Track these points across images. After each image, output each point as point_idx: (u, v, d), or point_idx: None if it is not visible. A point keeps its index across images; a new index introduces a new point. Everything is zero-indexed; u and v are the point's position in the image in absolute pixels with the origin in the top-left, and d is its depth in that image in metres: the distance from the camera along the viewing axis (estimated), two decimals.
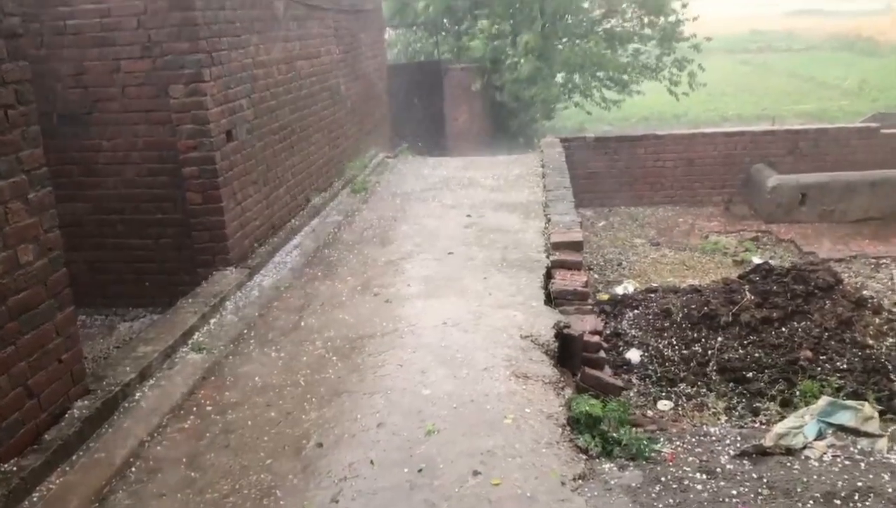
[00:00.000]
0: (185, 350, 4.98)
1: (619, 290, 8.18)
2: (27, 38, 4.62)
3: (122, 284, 6.45)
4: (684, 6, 15.41)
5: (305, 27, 8.24)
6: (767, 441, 3.96)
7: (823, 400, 4.26)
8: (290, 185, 7.69)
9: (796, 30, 43.66)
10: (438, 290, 5.94)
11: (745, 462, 3.86)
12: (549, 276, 6.19)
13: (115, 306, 6.49)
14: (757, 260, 9.07)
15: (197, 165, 5.98)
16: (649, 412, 5.57)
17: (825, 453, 3.88)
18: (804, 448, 3.93)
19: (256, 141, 6.80)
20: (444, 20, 16.24)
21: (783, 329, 6.60)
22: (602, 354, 5.58)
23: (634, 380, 6.17)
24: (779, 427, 4.08)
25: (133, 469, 3.78)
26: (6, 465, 3.57)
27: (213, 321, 5.45)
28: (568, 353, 5.17)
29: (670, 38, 15.52)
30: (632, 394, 5.78)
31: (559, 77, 15.72)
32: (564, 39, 15.51)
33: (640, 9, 15.52)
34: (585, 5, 16.03)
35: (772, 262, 8.83)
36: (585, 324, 5.49)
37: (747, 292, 6.92)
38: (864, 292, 7.83)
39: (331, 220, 8.08)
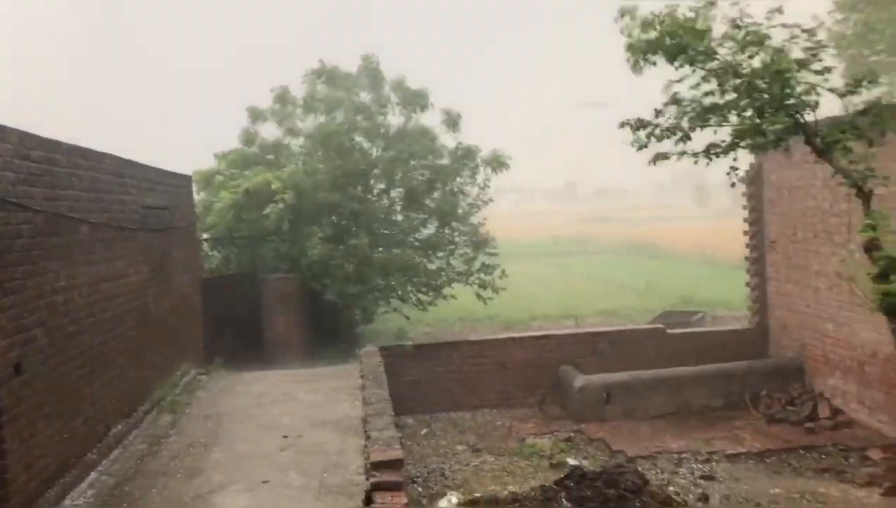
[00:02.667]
0: None
1: (443, 503, 8.11)
2: None
3: None
4: (477, 215, 16.97)
5: (113, 248, 8.05)
6: None
7: None
8: (88, 415, 7.13)
9: (589, 235, 48.50)
10: None
11: None
12: (369, 500, 6.01)
13: None
14: (572, 461, 9.39)
15: None
16: None
17: None
18: None
19: (51, 371, 6.33)
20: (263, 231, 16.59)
21: None
22: None
23: None
24: None
25: None
26: None
27: None
28: None
29: (479, 247, 16.79)
30: None
31: (378, 281, 16.33)
32: (381, 249, 16.24)
33: (440, 222, 16.82)
34: (399, 218, 17.09)
35: (585, 463, 9.18)
36: None
37: (563, 500, 7.08)
38: (671, 489, 8.25)
39: (134, 449, 7.51)
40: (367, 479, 6.29)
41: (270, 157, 17.12)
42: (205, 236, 16.35)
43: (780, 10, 7.05)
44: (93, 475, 6.70)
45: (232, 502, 6.07)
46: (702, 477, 8.93)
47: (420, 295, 16.97)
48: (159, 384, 9.44)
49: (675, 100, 7.34)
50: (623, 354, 12.46)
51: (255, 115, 16.96)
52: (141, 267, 9.05)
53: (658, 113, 7.37)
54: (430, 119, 16.89)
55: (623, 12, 7.21)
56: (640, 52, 7.10)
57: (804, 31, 7.03)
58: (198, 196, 16.09)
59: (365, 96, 16.81)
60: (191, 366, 10.95)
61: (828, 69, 7.14)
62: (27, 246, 6.00)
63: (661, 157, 7.47)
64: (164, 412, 8.76)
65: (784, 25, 7.01)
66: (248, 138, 17.08)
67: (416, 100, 16.59)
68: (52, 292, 6.41)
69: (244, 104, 17.32)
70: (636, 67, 7.21)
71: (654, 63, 7.20)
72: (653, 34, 7.04)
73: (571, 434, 10.70)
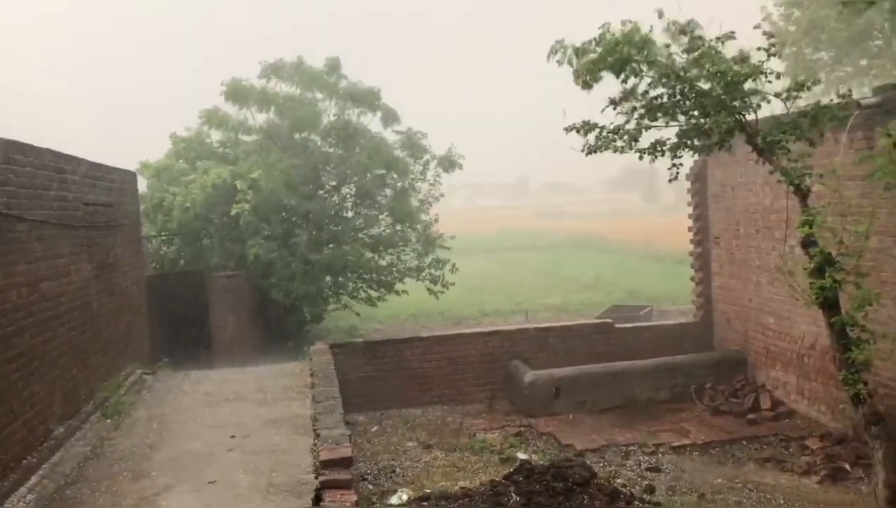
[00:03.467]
0: None
1: (394, 500, 8.11)
2: None
3: None
4: (428, 213, 16.97)
5: (54, 246, 7.85)
6: None
7: None
8: (27, 417, 6.94)
9: (540, 229, 48.90)
10: None
11: None
12: (318, 499, 5.98)
13: None
14: (522, 456, 9.48)
15: None
16: None
17: None
18: None
19: None
20: (205, 228, 16.31)
21: None
22: None
23: None
24: None
25: None
26: None
27: None
28: None
29: (431, 243, 16.82)
30: None
31: (327, 279, 16.23)
32: (331, 245, 16.14)
33: (393, 219, 16.79)
34: (349, 215, 17.02)
35: (534, 458, 9.28)
36: None
37: (513, 494, 7.15)
38: (618, 481, 8.39)
39: (76, 452, 7.33)
40: (317, 477, 6.27)
41: (225, 150, 16.85)
42: (150, 233, 16.04)
43: (731, 36, 7.22)
44: (33, 479, 6.53)
45: (178, 503, 5.98)
46: (648, 469, 9.10)
47: (371, 292, 16.94)
48: (103, 385, 9.24)
49: (627, 95, 7.44)
50: (572, 348, 12.62)
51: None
52: (83, 265, 8.84)
53: (613, 103, 7.44)
54: (376, 122, 16.87)
55: (554, 50, 7.31)
56: (586, 74, 7.19)
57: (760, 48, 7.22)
58: (145, 188, 15.79)
59: (320, 94, 16.63)
60: (136, 366, 10.75)
61: (777, 75, 7.34)
62: None
63: (605, 144, 7.55)
64: (108, 413, 8.57)
65: (724, 38, 7.17)
66: (211, 118, 16.54)
67: (366, 98, 16.50)
68: None
69: (202, 100, 16.98)
70: (586, 86, 7.29)
71: (600, 79, 7.29)
72: (591, 56, 7.13)
73: (521, 429, 10.79)
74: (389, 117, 16.71)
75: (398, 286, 16.89)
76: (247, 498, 6.01)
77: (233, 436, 7.67)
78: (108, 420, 8.40)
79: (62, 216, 8.20)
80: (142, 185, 14.99)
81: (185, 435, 7.84)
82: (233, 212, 14.54)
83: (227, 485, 6.32)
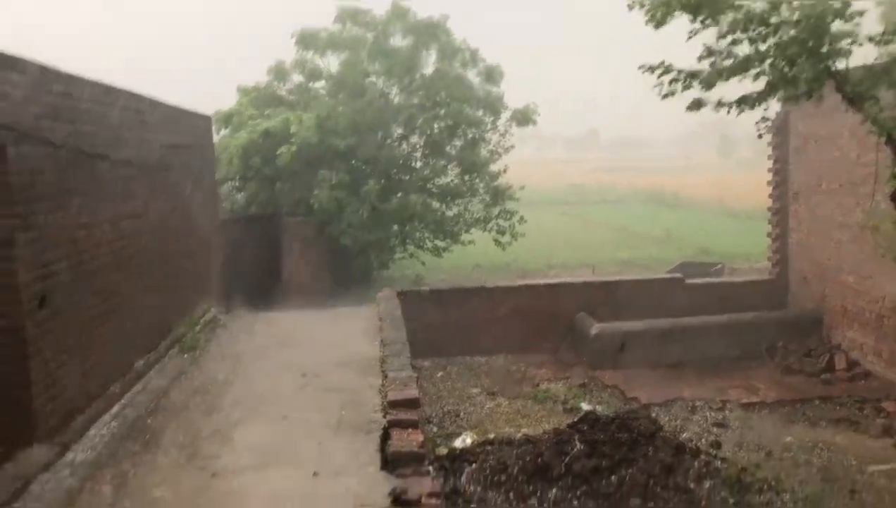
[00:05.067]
0: None
1: (458, 443, 8.22)
2: None
3: None
4: (499, 162, 16.82)
5: (133, 187, 8.08)
6: None
7: None
8: (111, 349, 7.25)
9: (609, 184, 48.01)
10: (271, 459, 5.69)
11: None
12: (386, 436, 6.11)
13: None
14: (586, 407, 9.48)
15: (4, 336, 5.53)
16: None
17: None
18: None
19: (74, 306, 6.42)
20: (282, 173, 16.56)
21: (613, 478, 6.83)
22: None
23: None
24: None
25: None
26: None
27: None
28: None
29: (499, 194, 16.70)
30: None
31: (395, 227, 16.37)
32: (399, 194, 16.21)
33: (462, 169, 16.72)
34: (418, 165, 17.03)
35: (598, 409, 9.26)
36: (423, 487, 5.41)
37: (577, 442, 7.16)
38: (684, 435, 8.33)
39: (155, 384, 7.64)
40: (385, 416, 6.39)
41: (294, 98, 17.01)
42: (226, 176, 16.37)
43: None
44: (115, 408, 6.84)
45: (250, 436, 6.19)
46: (715, 425, 9.00)
47: (437, 241, 17.01)
48: (179, 322, 9.56)
49: (709, 51, 7.17)
50: (640, 303, 12.46)
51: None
52: (161, 206, 9.08)
53: (710, 54, 7.19)
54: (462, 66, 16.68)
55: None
56: (658, 10, 6.93)
57: None
58: (217, 135, 16.08)
59: (396, 41, 16.52)
60: (210, 305, 11.07)
61: (859, 13, 6.94)
62: (49, 181, 6.02)
63: (696, 105, 7.33)
64: (184, 349, 8.88)
65: None
66: (280, 72, 16.74)
67: (447, 48, 16.35)
68: (74, 228, 6.46)
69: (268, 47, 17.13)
70: (657, 23, 7.04)
71: (672, 18, 7.02)
72: None
73: (585, 381, 10.78)
74: (481, 73, 16.54)
75: (464, 237, 16.92)
76: (318, 434, 6.17)
77: (303, 375, 7.87)
78: (185, 356, 8.71)
79: (141, 157, 8.41)
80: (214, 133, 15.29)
81: (258, 373, 8.08)
82: (278, 152, 14.68)
83: (298, 421, 6.50)
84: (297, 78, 17.13)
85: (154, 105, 9.03)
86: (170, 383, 7.71)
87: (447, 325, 12.12)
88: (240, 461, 5.70)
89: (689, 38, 7.23)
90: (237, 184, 17.24)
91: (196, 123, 11.40)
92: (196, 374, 8.08)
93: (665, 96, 7.42)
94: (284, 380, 7.74)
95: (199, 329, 9.80)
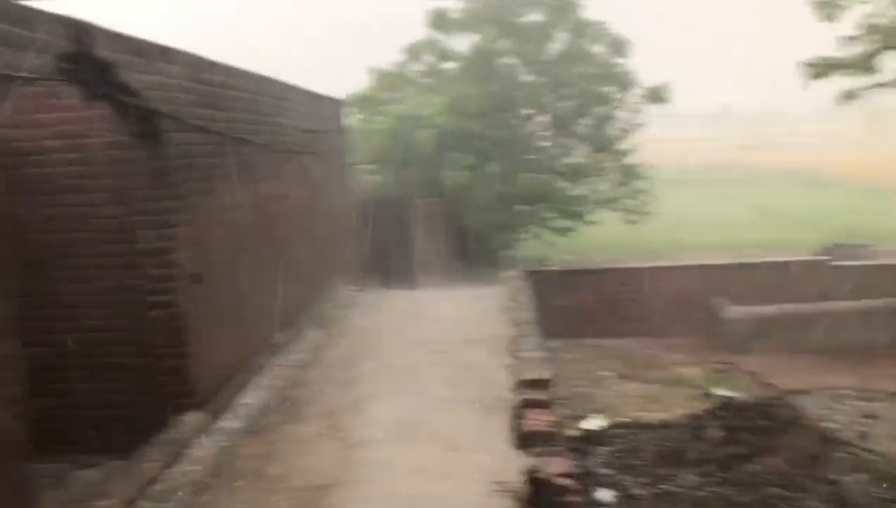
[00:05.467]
0: (145, 503, 4.80)
1: (588, 426, 8.17)
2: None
3: (81, 430, 6.26)
4: (628, 140, 16.36)
5: (275, 170, 8.48)
6: None
7: None
8: (256, 324, 7.68)
9: (746, 161, 45.86)
10: (407, 433, 5.87)
11: None
12: (517, 416, 6.16)
13: (71, 453, 6.27)
14: (722, 393, 9.17)
15: (164, 309, 5.98)
16: None
17: None
18: None
19: (224, 282, 6.84)
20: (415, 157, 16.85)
21: (751, 466, 6.60)
22: (574, 497, 5.49)
23: None
24: None
25: None
26: None
27: (174, 469, 5.29)
28: (538, 497, 5.09)
29: (629, 173, 16.32)
30: None
31: (520, 208, 16.33)
32: (526, 174, 16.15)
33: (591, 148, 16.41)
34: (545, 144, 16.88)
35: (736, 396, 8.94)
36: (556, 466, 5.42)
37: (714, 428, 6.96)
38: (828, 425, 7.91)
39: (296, 358, 8.02)
40: (516, 396, 6.44)
41: (425, 80, 17.23)
42: (358, 160, 16.84)
43: None
44: (261, 379, 7.25)
45: (386, 410, 6.40)
46: (863, 416, 8.48)
47: (563, 222, 16.83)
48: (317, 299, 9.98)
49: (871, 27, 6.71)
50: (780, 286, 11.90)
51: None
52: (300, 188, 9.48)
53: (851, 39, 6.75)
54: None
55: None
56: None
57: None
58: (353, 119, 16.54)
59: (528, 18, 16.37)
60: (346, 284, 11.48)
61: None
62: (202, 165, 6.43)
63: (849, 96, 6.89)
64: (321, 325, 9.27)
65: None
66: (414, 51, 16.94)
67: (577, 23, 16.07)
68: (225, 210, 6.87)
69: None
70: None
71: None
72: None
73: (721, 366, 10.43)
74: (611, 46, 16.15)
75: (590, 217, 16.66)
76: (449, 410, 6.31)
77: (435, 352, 8.04)
78: (323, 332, 9.09)
79: (282, 142, 8.81)
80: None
81: (391, 349, 8.32)
82: (417, 138, 14.88)
83: (430, 396, 6.66)
84: (428, 59, 17.31)
85: (292, 91, 9.42)
86: (309, 357, 8.07)
87: (576, 306, 12.03)
88: (377, 433, 5.91)
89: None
90: (369, 167, 17.71)
91: (331, 108, 11.80)
92: (333, 349, 8.42)
93: (817, 77, 7.01)
94: (417, 356, 7.94)
95: (335, 307, 10.20)
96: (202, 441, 5.78)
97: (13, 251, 3.97)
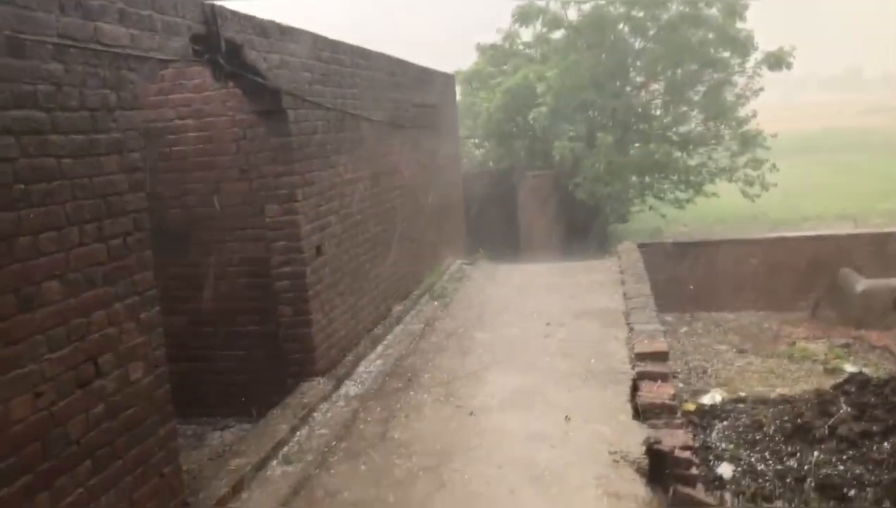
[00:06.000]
0: (275, 463, 5.07)
1: (706, 400, 7.99)
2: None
3: (214, 394, 6.66)
4: (747, 107, 15.61)
5: (389, 144, 8.63)
6: None
7: None
8: (373, 295, 7.90)
9: (871, 127, 43.07)
10: (522, 402, 5.92)
11: None
12: (634, 388, 6.10)
13: (206, 415, 6.68)
14: (850, 368, 8.76)
15: (288, 280, 6.24)
16: None
17: None
18: None
19: (343, 254, 7.06)
20: (511, 129, 16.72)
21: (885, 444, 6.28)
22: (694, 470, 5.41)
23: (727, 497, 5.95)
24: None
25: None
26: None
27: (301, 432, 5.55)
28: (658, 469, 5.03)
29: (747, 142, 15.58)
30: None
31: (633, 179, 15.92)
32: (637, 145, 15.76)
33: (706, 115, 15.78)
34: (657, 113, 16.36)
35: (866, 371, 8.50)
36: (675, 439, 5.35)
37: (843, 404, 6.67)
38: None
39: (412, 328, 8.21)
40: (633, 368, 6.37)
41: (531, 51, 17.01)
42: (466, 134, 16.89)
43: None
44: (379, 348, 7.47)
45: (503, 380, 6.47)
46: None
47: (678, 193, 16.30)
48: (429, 272, 10.14)
49: None
50: None
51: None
52: (412, 162, 9.62)
53: None
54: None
55: None
56: None
57: None
58: (460, 95, 16.57)
59: None
60: (456, 256, 11.61)
61: None
62: (321, 141, 6.63)
63: None
64: (434, 297, 9.42)
65: None
66: (524, 16, 16.50)
67: None
68: (341, 184, 7.07)
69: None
70: None
71: None
72: None
73: (849, 341, 9.95)
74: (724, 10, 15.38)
75: (708, 188, 16.05)
76: (566, 381, 6.30)
77: (548, 324, 8.03)
78: (436, 303, 9.24)
79: (395, 116, 8.95)
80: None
81: (503, 320, 8.37)
82: (530, 117, 14.72)
83: (546, 368, 6.68)
84: (536, 29, 16.99)
85: (404, 66, 9.53)
86: (424, 327, 8.23)
87: (692, 279, 11.72)
88: (493, 401, 5.99)
89: None
90: (476, 141, 17.73)
91: (441, 83, 11.86)
92: (447, 320, 8.55)
93: None
94: (530, 328, 7.96)
95: (447, 279, 10.34)
96: (325, 406, 6.02)
97: (151, 225, 4.22)
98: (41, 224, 3.41)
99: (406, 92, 9.47)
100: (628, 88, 16.29)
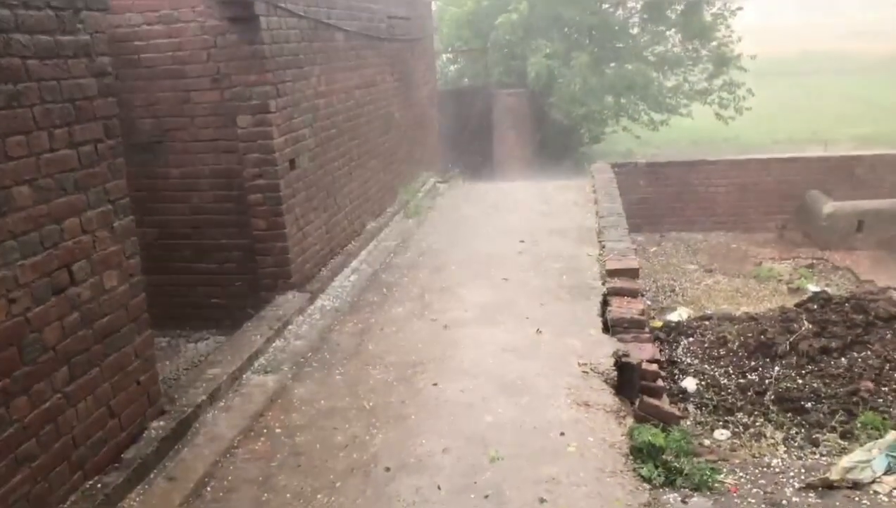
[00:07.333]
0: (251, 373, 5.13)
1: (673, 317, 8.17)
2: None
3: (188, 306, 6.66)
4: (727, 27, 15.43)
5: (363, 57, 8.45)
6: (834, 475, 3.94)
7: (892, 434, 4.22)
8: (347, 210, 7.87)
9: (850, 51, 42.96)
10: (495, 316, 6.02)
11: (810, 495, 3.85)
12: (605, 303, 6.22)
13: (179, 327, 6.70)
14: (813, 288, 8.98)
15: (262, 193, 6.18)
16: (706, 442, 5.55)
17: (895, 488, 3.84)
18: (872, 482, 3.90)
19: (317, 168, 6.99)
20: (489, 44, 16.40)
21: (842, 360, 6.51)
22: (660, 383, 5.58)
23: (691, 409, 6.15)
24: (845, 461, 4.06)
25: (209, 489, 3.92)
26: (89, 482, 3.74)
27: (277, 343, 5.61)
28: (626, 381, 5.19)
29: (724, 63, 15.48)
30: (688, 423, 5.76)
31: (608, 99, 15.80)
32: (613, 64, 15.59)
33: (683, 35, 15.60)
34: (634, 31, 16.13)
35: (829, 290, 8.74)
36: (643, 352, 5.50)
37: (805, 321, 6.86)
38: None
39: (386, 244, 8.23)
40: (604, 284, 6.49)
41: None
42: (441, 48, 16.53)
43: None
44: (354, 263, 7.49)
45: (476, 294, 6.55)
46: None
47: (653, 114, 16.24)
48: (404, 189, 10.10)
49: None
50: (882, 181, 11.40)
51: None
52: (387, 76, 9.45)
53: None
54: None
55: None
56: None
57: None
58: (434, 5, 16.14)
59: None
60: (430, 174, 11.55)
61: None
62: (294, 50, 6.47)
63: None
64: (408, 214, 9.42)
65: None
66: None
67: None
68: (315, 96, 6.94)
69: None
70: None
71: None
72: None
73: (814, 261, 10.18)
74: None
75: (682, 110, 16.00)
76: (538, 296, 6.40)
77: (521, 241, 8.09)
78: (410, 220, 9.24)
79: (370, 28, 8.73)
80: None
81: (478, 238, 8.42)
82: (497, 21, 14.41)
83: (519, 283, 6.77)
84: None
85: None
86: (398, 244, 8.26)
87: (663, 199, 11.84)
88: (467, 315, 6.08)
89: None
90: (449, 56, 17.38)
91: None
92: (421, 237, 8.58)
93: None
94: (503, 245, 8.01)
95: (421, 196, 10.31)
96: (300, 319, 6.07)
97: (120, 134, 4.13)
98: (8, 127, 3.32)
99: (381, 3, 9.22)
100: (605, 6, 15.99)
